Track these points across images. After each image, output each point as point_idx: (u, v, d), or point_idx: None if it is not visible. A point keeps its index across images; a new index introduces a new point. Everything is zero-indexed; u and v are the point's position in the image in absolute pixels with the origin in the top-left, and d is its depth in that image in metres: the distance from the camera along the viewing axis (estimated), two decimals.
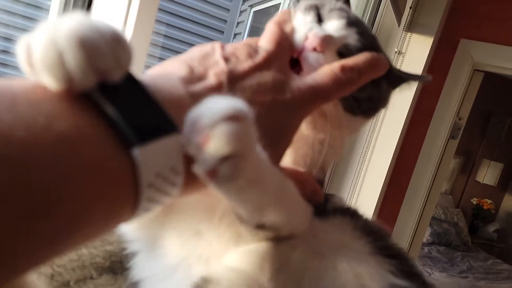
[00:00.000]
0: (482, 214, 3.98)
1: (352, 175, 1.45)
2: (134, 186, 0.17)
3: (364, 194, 1.44)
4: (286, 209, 0.26)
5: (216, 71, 0.22)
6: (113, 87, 0.17)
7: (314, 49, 0.29)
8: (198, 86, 0.21)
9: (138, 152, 0.16)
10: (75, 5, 0.60)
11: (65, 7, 0.61)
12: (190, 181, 0.20)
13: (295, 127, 0.26)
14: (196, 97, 0.20)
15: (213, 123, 0.18)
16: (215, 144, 0.18)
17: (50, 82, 0.16)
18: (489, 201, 3.96)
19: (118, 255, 0.43)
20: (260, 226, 0.25)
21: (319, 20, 0.33)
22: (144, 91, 0.18)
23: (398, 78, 0.38)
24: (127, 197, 0.17)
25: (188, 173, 0.19)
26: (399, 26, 1.35)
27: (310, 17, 0.32)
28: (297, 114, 0.25)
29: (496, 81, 3.28)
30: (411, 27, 1.36)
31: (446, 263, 3.06)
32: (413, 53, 1.36)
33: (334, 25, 0.32)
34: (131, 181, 0.17)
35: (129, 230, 0.33)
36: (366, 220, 0.36)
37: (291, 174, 0.27)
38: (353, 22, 0.33)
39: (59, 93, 0.16)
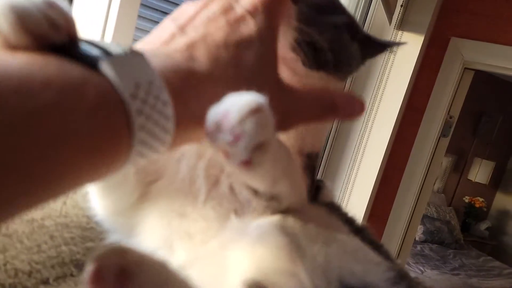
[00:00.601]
0: (474, 212, 4.01)
1: (344, 173, 1.45)
2: (120, 103, 0.17)
3: (356, 192, 1.44)
4: (292, 180, 0.29)
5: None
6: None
7: None
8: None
9: (106, 65, 0.16)
10: None
11: None
12: (182, 128, 0.20)
13: (270, 45, 0.24)
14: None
15: (242, 119, 0.20)
16: (248, 137, 0.20)
17: (14, 36, 0.16)
18: (481, 199, 4.00)
19: None
20: (271, 198, 0.28)
21: None
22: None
23: (363, 36, 0.36)
24: (118, 117, 0.17)
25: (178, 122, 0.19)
26: (390, 24, 1.35)
27: None
28: (263, 28, 0.23)
29: (487, 80, 3.31)
30: (402, 25, 1.36)
31: (438, 261, 3.08)
32: (404, 51, 1.37)
33: None
34: (115, 100, 0.16)
35: (108, 218, 0.33)
36: (348, 216, 0.37)
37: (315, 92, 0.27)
38: None
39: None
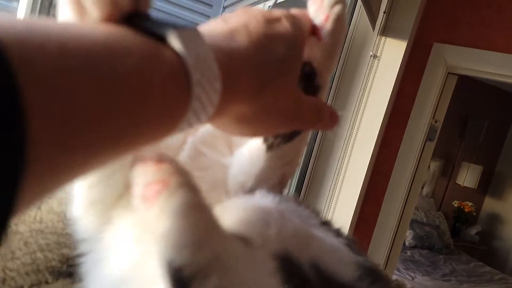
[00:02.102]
0: (464, 217, 4.04)
1: (330, 179, 1.45)
2: (183, 72, 0.18)
3: (343, 198, 1.44)
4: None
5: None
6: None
7: None
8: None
9: (174, 38, 0.18)
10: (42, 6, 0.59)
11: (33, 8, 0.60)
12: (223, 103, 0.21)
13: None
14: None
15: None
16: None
17: (95, 11, 0.18)
18: (470, 204, 4.04)
19: (75, 259, 0.41)
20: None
21: None
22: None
23: None
24: (182, 84, 0.18)
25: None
26: (373, 30, 1.37)
27: None
28: (294, 32, 0.26)
29: (472, 84, 3.37)
30: (385, 31, 1.39)
31: (428, 267, 3.09)
32: (388, 56, 1.39)
33: None
34: (177, 63, 0.18)
35: (88, 209, 0.31)
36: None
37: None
38: None
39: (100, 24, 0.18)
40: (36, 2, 0.59)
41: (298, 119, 0.27)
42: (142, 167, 0.19)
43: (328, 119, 0.30)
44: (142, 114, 0.17)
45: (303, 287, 0.23)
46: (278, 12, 0.27)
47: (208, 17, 2.81)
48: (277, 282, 0.21)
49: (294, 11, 0.30)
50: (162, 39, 0.18)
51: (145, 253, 0.25)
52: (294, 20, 0.27)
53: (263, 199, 0.30)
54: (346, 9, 1.24)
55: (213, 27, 0.23)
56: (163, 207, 0.18)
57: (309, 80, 0.29)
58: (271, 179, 0.33)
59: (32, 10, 0.60)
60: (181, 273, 0.17)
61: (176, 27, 0.19)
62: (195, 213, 0.18)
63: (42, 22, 0.14)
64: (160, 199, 0.18)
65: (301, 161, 0.37)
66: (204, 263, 0.18)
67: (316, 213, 0.33)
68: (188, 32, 0.19)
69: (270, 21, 0.25)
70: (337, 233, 0.31)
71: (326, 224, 0.32)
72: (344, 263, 0.26)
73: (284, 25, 0.25)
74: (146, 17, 0.19)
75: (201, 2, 2.80)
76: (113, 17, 0.18)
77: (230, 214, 0.27)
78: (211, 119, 0.22)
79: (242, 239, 0.23)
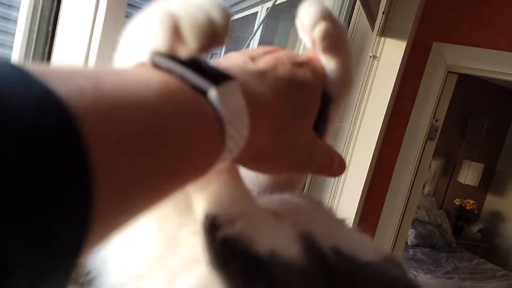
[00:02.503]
0: (466, 215, 4.04)
1: (331, 180, 1.45)
2: (217, 119, 0.20)
3: (345, 198, 1.44)
4: None
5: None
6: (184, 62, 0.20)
7: None
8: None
9: (214, 93, 0.19)
10: (41, 21, 0.59)
11: (32, 21, 0.60)
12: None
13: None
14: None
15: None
16: None
17: (193, 41, 0.19)
18: (471, 202, 4.04)
19: (84, 266, 0.41)
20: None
21: None
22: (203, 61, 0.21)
23: None
24: (214, 132, 0.20)
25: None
26: (372, 31, 1.37)
27: None
28: (314, 80, 0.28)
29: (472, 83, 3.37)
30: (384, 32, 1.39)
31: (431, 265, 3.09)
32: (387, 57, 1.39)
33: None
34: (213, 117, 0.20)
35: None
36: None
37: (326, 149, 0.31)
38: None
39: (151, 72, 0.19)
40: (36, 12, 0.59)
41: (310, 163, 0.29)
42: None
43: (337, 167, 0.31)
44: (183, 165, 0.19)
45: (321, 261, 0.25)
46: (301, 58, 0.28)
47: None
48: (295, 248, 0.24)
49: (310, 55, 0.30)
50: (204, 92, 0.20)
51: (170, 239, 0.27)
52: (314, 66, 0.28)
53: (296, 197, 0.33)
54: (345, 10, 1.22)
55: (243, 64, 0.25)
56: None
57: (323, 107, 0.29)
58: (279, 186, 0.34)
59: (32, 20, 0.60)
60: (215, 219, 0.22)
61: (218, 78, 0.20)
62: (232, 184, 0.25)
63: (102, 78, 0.16)
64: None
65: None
66: (234, 215, 0.23)
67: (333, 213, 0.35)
68: (228, 87, 0.20)
69: (295, 66, 0.27)
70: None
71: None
72: (369, 249, 0.28)
73: (306, 72, 0.27)
74: (196, 61, 0.20)
75: None
76: (206, 51, 0.20)
77: (267, 200, 0.30)
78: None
79: (272, 212, 0.27)
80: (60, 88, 0.13)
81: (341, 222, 0.33)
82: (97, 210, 0.13)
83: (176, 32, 0.19)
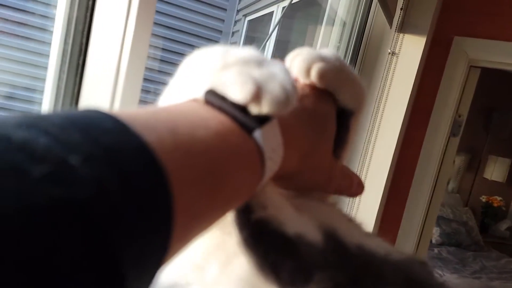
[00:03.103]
0: (493, 212, 3.92)
1: None
2: (259, 155, 0.23)
3: (366, 196, 1.43)
4: None
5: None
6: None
7: None
8: None
9: (259, 133, 0.22)
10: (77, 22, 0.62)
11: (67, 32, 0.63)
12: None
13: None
14: None
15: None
16: None
17: (267, 109, 0.23)
18: (499, 198, 3.91)
19: None
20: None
21: None
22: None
23: None
24: (257, 166, 0.23)
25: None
26: (391, 28, 1.36)
27: None
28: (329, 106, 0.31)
29: (496, 75, 3.26)
30: (403, 28, 1.37)
31: (457, 264, 3.01)
32: (406, 53, 1.37)
33: None
34: (257, 154, 0.23)
35: None
36: None
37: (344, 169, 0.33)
38: None
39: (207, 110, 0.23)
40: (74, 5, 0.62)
41: (331, 184, 0.32)
42: None
43: (355, 188, 0.34)
44: (234, 195, 0.23)
45: (344, 252, 0.27)
46: (321, 92, 0.30)
47: (220, 32, 2.84)
48: (318, 235, 0.27)
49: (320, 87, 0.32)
50: (249, 131, 0.23)
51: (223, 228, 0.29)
52: (327, 97, 0.31)
53: (319, 202, 0.35)
54: (362, 8, 1.22)
55: None
56: None
57: (343, 120, 0.32)
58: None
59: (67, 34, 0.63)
60: (248, 203, 0.26)
61: (262, 117, 0.23)
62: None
63: (176, 123, 0.19)
64: None
65: None
66: (264, 202, 0.26)
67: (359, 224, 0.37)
68: (270, 127, 0.23)
69: (317, 97, 0.30)
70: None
71: (370, 235, 0.36)
72: (392, 249, 0.30)
73: (324, 102, 0.30)
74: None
75: (213, 17, 2.83)
76: (277, 115, 0.23)
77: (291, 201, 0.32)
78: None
79: (295, 207, 0.29)
80: (149, 138, 0.17)
81: (362, 227, 0.35)
82: (174, 233, 0.17)
83: (256, 98, 0.22)
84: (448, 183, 3.73)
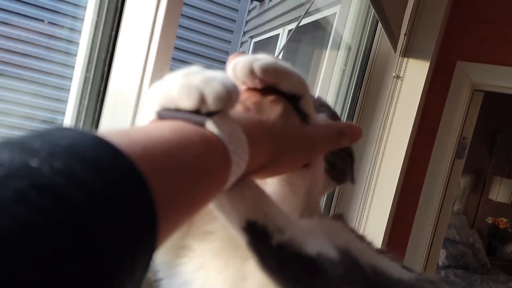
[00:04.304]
0: (499, 234, 3.88)
1: (359, 199, 1.45)
2: (219, 141, 0.25)
3: (372, 218, 1.43)
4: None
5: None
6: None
7: None
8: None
9: (210, 123, 0.25)
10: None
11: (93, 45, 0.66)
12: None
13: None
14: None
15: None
16: None
17: (214, 106, 0.25)
18: (505, 220, 3.88)
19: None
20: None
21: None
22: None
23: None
24: (219, 150, 0.25)
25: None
26: (395, 52, 1.39)
27: None
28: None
29: (500, 98, 3.29)
30: (407, 53, 1.40)
31: (465, 287, 2.96)
32: (411, 77, 1.40)
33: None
34: (217, 140, 0.25)
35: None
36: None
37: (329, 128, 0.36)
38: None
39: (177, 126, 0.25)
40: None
41: (316, 145, 0.34)
42: None
43: (350, 132, 0.37)
44: (204, 182, 0.24)
45: (359, 270, 0.28)
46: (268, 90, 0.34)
47: (226, 53, 2.91)
48: (335, 252, 0.28)
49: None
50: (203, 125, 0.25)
51: (236, 274, 0.30)
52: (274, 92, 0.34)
53: (334, 223, 0.37)
54: (367, 32, 1.26)
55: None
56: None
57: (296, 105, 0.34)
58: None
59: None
60: (266, 228, 0.27)
61: (212, 113, 0.25)
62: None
63: (151, 140, 0.21)
64: None
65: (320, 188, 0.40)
66: (281, 225, 0.28)
67: (370, 242, 0.38)
68: (219, 117, 0.25)
69: (266, 94, 0.33)
70: (391, 258, 0.36)
71: (381, 252, 0.37)
72: (402, 270, 0.31)
73: (272, 94, 0.34)
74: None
75: (220, 39, 2.90)
76: (227, 109, 0.26)
77: (306, 222, 0.33)
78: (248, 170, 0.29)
79: (308, 228, 0.31)
80: (133, 155, 0.19)
81: (372, 245, 0.37)
82: (160, 223, 0.19)
83: (202, 101, 0.25)
84: (453, 204, 3.71)
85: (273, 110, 0.32)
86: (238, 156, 0.26)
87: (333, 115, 0.45)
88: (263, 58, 0.32)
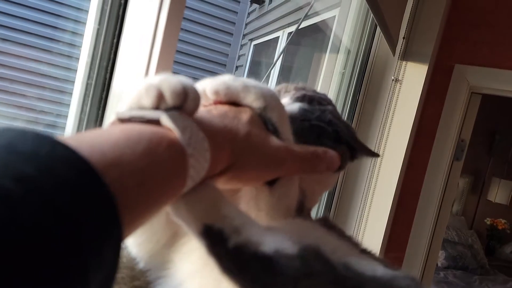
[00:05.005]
0: (498, 235, 3.89)
1: (358, 202, 1.46)
2: (179, 146, 0.24)
3: (372, 220, 1.44)
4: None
5: None
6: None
7: None
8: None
9: (164, 117, 0.25)
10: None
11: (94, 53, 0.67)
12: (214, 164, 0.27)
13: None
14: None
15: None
16: None
17: (172, 101, 0.26)
18: (503, 221, 3.89)
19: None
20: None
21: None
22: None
23: (355, 149, 0.45)
24: (175, 144, 0.24)
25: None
26: (394, 55, 1.40)
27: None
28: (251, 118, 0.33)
29: (498, 99, 3.30)
30: (406, 56, 1.42)
31: None
32: (409, 80, 1.41)
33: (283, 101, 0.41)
34: (173, 138, 0.24)
35: (143, 258, 0.36)
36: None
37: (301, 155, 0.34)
38: (298, 98, 0.43)
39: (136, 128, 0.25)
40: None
41: (286, 161, 0.33)
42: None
43: (328, 158, 0.36)
44: (159, 182, 0.23)
45: (328, 269, 0.28)
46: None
47: (226, 55, 2.92)
48: (295, 247, 0.28)
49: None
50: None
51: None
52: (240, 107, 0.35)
53: (310, 222, 0.37)
54: (366, 36, 1.26)
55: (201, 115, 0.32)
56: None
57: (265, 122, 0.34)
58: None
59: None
60: (222, 231, 0.27)
61: (170, 109, 0.26)
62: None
63: (103, 144, 0.21)
64: None
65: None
66: (237, 226, 0.28)
67: (356, 243, 0.38)
68: (175, 113, 0.25)
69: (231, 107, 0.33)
70: (376, 258, 0.36)
71: (366, 252, 0.37)
72: (379, 267, 0.30)
73: (239, 107, 0.34)
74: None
75: (220, 41, 2.91)
76: (179, 106, 0.26)
77: (278, 223, 0.33)
78: (209, 177, 0.28)
79: (268, 227, 0.31)
80: (93, 159, 0.19)
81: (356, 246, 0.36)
82: (123, 219, 0.19)
83: (160, 96, 0.26)
84: (452, 205, 3.72)
85: (237, 117, 0.31)
86: (196, 155, 0.25)
87: (296, 99, 0.44)
88: (216, 80, 0.33)
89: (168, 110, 0.26)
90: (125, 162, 0.21)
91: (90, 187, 0.18)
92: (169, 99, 0.26)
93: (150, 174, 0.22)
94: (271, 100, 0.34)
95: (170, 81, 0.27)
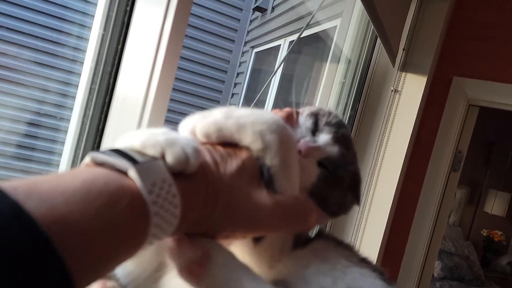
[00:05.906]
0: (494, 246, 3.89)
1: (356, 211, 1.47)
2: (142, 203, 0.23)
3: (369, 230, 1.45)
4: None
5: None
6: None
7: (300, 153, 0.36)
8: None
9: (132, 170, 0.23)
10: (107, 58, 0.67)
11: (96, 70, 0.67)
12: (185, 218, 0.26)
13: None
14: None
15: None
16: None
17: (174, 165, 0.26)
18: (499, 233, 3.90)
19: None
20: None
21: (316, 129, 0.39)
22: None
23: (358, 199, 0.44)
24: (141, 207, 0.23)
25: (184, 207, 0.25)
26: (393, 67, 1.42)
27: (308, 124, 0.39)
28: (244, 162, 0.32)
29: (496, 111, 3.32)
30: (405, 67, 1.43)
31: None
32: (408, 91, 1.43)
33: (323, 138, 0.38)
34: (138, 201, 0.23)
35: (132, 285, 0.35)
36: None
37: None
38: (339, 139, 0.39)
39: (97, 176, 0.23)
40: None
41: (271, 218, 0.30)
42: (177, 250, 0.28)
43: (312, 224, 0.34)
44: (115, 241, 0.22)
45: None
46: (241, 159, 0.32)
47: (227, 62, 2.94)
48: None
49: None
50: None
51: None
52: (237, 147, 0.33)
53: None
54: (366, 47, 1.28)
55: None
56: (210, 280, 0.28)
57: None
58: None
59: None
60: None
61: (138, 160, 0.24)
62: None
63: (55, 196, 0.20)
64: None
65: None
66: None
67: (355, 252, 0.38)
68: (146, 163, 0.24)
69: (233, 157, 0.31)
70: (374, 268, 0.36)
71: (364, 261, 0.38)
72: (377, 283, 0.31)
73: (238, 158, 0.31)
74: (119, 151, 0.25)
75: (221, 48, 2.94)
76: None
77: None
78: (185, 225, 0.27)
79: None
80: (38, 213, 0.19)
81: (355, 261, 0.37)
82: (74, 276, 0.19)
83: (163, 154, 0.26)
84: (449, 216, 3.73)
85: (228, 163, 0.29)
86: (162, 213, 0.24)
87: (338, 139, 0.40)
88: (207, 118, 0.31)
89: (149, 160, 0.25)
90: (72, 221, 0.20)
91: (27, 241, 0.18)
92: (171, 164, 0.25)
93: (100, 235, 0.21)
94: (271, 140, 0.31)
95: (174, 149, 0.26)
